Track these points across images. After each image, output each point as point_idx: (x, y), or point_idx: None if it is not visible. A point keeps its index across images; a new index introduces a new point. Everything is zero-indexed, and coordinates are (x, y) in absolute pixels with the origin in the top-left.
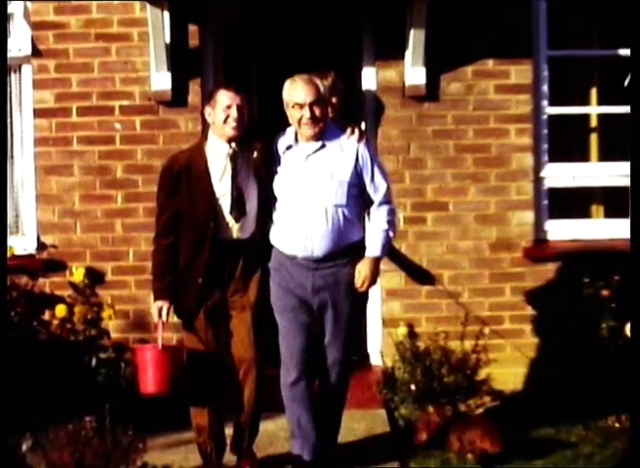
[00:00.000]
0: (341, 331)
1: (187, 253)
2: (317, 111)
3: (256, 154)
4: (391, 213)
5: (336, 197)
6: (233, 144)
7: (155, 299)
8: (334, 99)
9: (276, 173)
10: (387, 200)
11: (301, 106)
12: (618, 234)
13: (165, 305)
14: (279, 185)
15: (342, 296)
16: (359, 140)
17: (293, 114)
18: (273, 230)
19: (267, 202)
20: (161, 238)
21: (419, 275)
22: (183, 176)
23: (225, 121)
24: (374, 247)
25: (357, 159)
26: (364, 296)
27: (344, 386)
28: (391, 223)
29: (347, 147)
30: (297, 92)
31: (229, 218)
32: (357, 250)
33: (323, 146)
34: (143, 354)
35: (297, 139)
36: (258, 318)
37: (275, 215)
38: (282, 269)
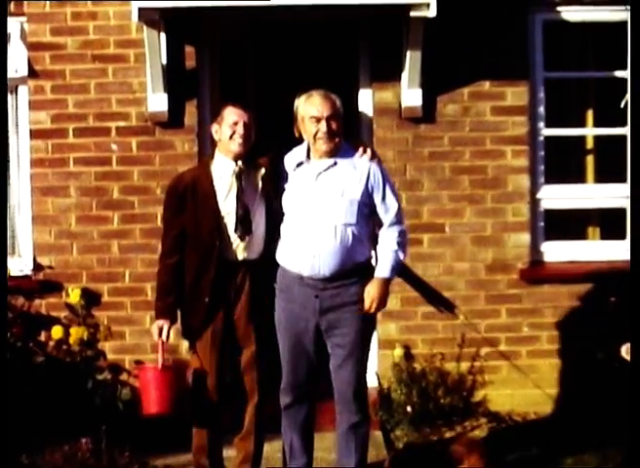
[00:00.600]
0: (352, 353)
1: (193, 272)
2: (334, 125)
3: (263, 171)
4: (402, 234)
5: (345, 216)
6: (239, 162)
7: (156, 318)
8: None
9: (284, 190)
10: (398, 221)
11: (318, 120)
12: (614, 256)
13: (165, 325)
14: (288, 203)
15: (350, 317)
16: (371, 159)
17: (308, 128)
18: (280, 248)
19: (276, 220)
20: (166, 257)
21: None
22: (189, 195)
23: (231, 137)
24: (383, 268)
25: (369, 178)
26: (371, 317)
27: (364, 410)
28: (402, 245)
29: (359, 166)
30: (313, 105)
31: (235, 237)
32: (365, 270)
33: (335, 164)
34: (144, 374)
35: (308, 156)
36: (263, 340)
37: (283, 233)
38: (287, 291)
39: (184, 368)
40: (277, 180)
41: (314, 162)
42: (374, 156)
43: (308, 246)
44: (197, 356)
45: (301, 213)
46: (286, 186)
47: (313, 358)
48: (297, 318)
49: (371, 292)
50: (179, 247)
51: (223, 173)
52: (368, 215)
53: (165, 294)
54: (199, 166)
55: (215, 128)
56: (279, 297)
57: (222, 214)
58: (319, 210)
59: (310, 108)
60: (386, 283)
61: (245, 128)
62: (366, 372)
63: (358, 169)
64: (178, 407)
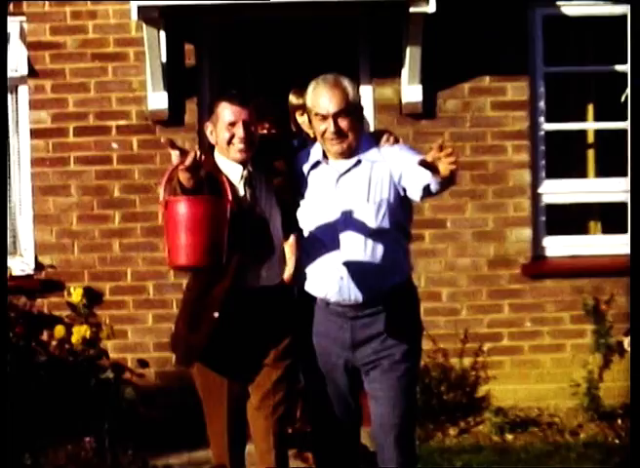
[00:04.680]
0: (396, 393)
1: (204, 277)
2: (343, 124)
3: (278, 177)
4: None
5: (375, 222)
6: (248, 165)
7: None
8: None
9: (301, 197)
10: None
11: (324, 118)
12: (615, 250)
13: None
14: (305, 213)
15: (390, 349)
16: (394, 144)
17: (315, 126)
18: (303, 270)
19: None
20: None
21: None
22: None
23: (230, 142)
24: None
25: (394, 164)
26: (418, 345)
27: (412, 460)
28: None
29: (386, 156)
30: (319, 99)
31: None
32: (406, 290)
33: (358, 163)
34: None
35: (326, 155)
36: (289, 386)
37: (302, 251)
38: (315, 322)
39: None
40: (294, 185)
41: (333, 162)
42: (397, 141)
43: (333, 265)
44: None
45: (322, 225)
46: (302, 192)
47: (350, 401)
48: (325, 353)
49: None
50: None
51: (230, 177)
52: (403, 221)
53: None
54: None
55: (209, 128)
56: (304, 329)
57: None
58: (343, 220)
59: (316, 102)
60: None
61: (245, 128)
62: (414, 419)
63: (386, 159)
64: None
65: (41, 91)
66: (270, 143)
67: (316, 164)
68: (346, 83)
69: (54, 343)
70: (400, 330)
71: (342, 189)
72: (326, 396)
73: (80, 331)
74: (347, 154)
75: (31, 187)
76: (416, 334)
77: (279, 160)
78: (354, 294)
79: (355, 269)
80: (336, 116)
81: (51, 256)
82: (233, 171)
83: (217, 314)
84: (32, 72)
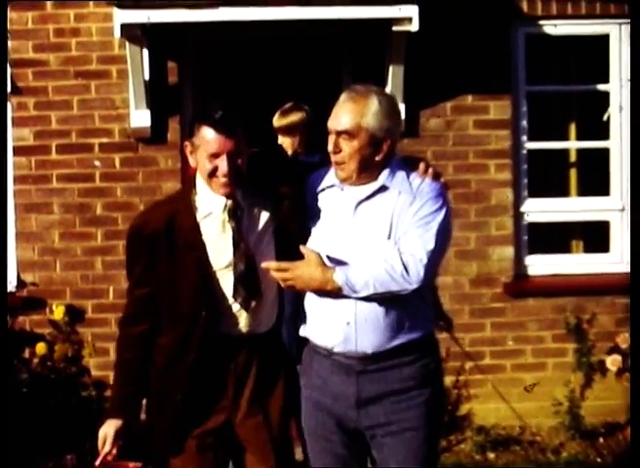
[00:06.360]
0: (410, 462)
1: (165, 354)
2: (346, 146)
3: (276, 205)
4: (405, 263)
5: None
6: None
7: (106, 417)
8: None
9: (313, 225)
10: (416, 251)
11: (330, 133)
12: (597, 269)
13: (111, 429)
14: (314, 245)
15: (404, 411)
16: (433, 180)
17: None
18: (304, 314)
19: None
20: (130, 323)
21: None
22: (162, 242)
23: (212, 174)
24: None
25: (406, 210)
26: (438, 409)
27: None
28: (390, 270)
29: (418, 192)
30: (335, 110)
31: (234, 305)
32: (426, 343)
33: (382, 189)
34: None
35: None
36: (285, 450)
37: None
38: (312, 373)
39: None
40: (305, 212)
41: (351, 187)
42: (437, 177)
43: (341, 309)
44: None
45: (332, 260)
46: (312, 220)
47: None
48: (325, 413)
49: (297, 263)
50: (148, 312)
51: (212, 207)
52: None
53: (123, 380)
54: (176, 197)
55: (188, 149)
56: (302, 384)
57: (214, 268)
58: (357, 257)
59: (331, 116)
60: (327, 275)
61: (230, 162)
62: None
63: (415, 194)
64: None
65: (24, 108)
66: (271, 161)
67: (332, 187)
68: (374, 99)
69: (35, 361)
70: (417, 389)
71: (360, 219)
72: (327, 461)
73: (62, 349)
74: (354, 181)
75: (13, 205)
76: (436, 396)
77: (283, 182)
78: (361, 345)
79: (366, 316)
80: (339, 135)
81: (33, 274)
82: (215, 201)
83: (180, 396)
84: (15, 89)
